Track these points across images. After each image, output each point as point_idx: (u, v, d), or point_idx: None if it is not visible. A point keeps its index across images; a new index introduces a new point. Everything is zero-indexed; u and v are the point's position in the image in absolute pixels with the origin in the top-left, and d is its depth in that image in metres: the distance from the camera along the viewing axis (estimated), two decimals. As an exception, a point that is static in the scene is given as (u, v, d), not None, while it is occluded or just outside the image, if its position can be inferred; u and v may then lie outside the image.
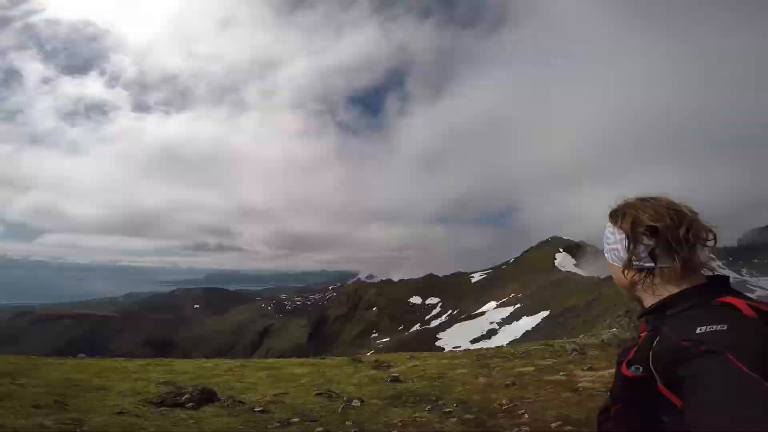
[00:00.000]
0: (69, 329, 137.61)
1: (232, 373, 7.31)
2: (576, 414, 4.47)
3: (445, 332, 56.02)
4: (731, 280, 1.14)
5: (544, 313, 44.79)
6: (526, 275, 71.45)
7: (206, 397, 5.05)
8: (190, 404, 4.70)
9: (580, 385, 5.77)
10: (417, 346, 44.90)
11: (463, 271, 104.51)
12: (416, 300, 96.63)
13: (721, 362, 0.91)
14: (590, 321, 31.11)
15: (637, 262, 1.17)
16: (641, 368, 1.09)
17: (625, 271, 1.20)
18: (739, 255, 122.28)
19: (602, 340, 10.95)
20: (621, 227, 1.19)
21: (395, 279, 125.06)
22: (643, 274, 1.18)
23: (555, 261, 75.10)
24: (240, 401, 5.20)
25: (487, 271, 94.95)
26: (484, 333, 48.25)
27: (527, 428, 4.13)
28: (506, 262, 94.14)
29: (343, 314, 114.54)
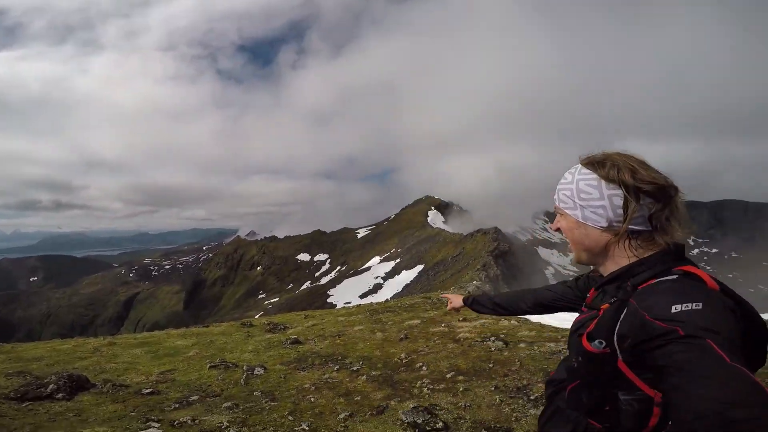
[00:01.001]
0: None
1: (100, 354, 6.44)
2: (464, 364, 5.07)
3: (335, 288, 57.78)
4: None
5: (420, 267, 49.20)
6: (403, 231, 76.93)
7: (77, 384, 4.33)
8: (60, 395, 3.98)
9: (460, 335, 6.51)
10: (309, 304, 45.47)
11: (349, 227, 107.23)
12: (304, 257, 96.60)
13: (703, 350, 0.81)
14: (456, 274, 34.81)
15: (631, 225, 1.02)
16: (604, 343, 1.00)
17: (605, 234, 1.06)
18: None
19: (469, 292, 12.59)
20: (616, 181, 1.02)
21: (280, 236, 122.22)
22: (625, 238, 1.04)
23: (427, 218, 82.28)
24: (121, 384, 4.61)
25: (371, 227, 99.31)
26: (371, 288, 51.16)
27: (428, 380, 4.54)
28: (387, 219, 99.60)
29: (223, 276, 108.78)
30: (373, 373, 4.92)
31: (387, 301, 13.27)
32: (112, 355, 6.35)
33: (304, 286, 77.32)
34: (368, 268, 62.34)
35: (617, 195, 1.02)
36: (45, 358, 6.02)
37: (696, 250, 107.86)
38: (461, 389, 4.26)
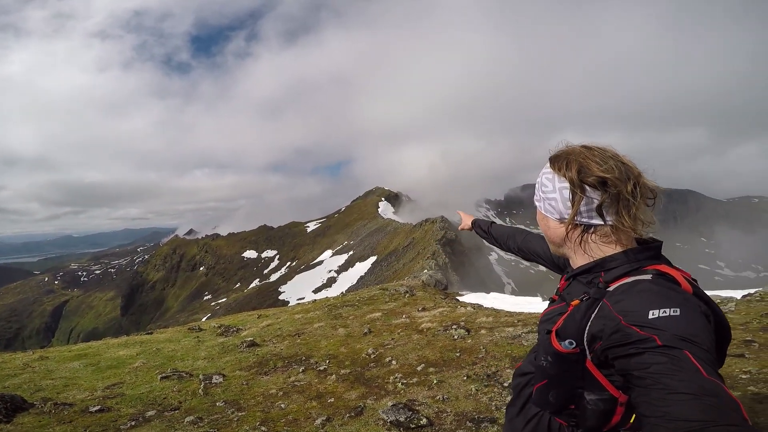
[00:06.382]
0: None
1: (32, 370, 5.83)
2: (432, 355, 5.12)
3: (286, 285, 56.62)
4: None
5: (373, 258, 49.56)
6: (355, 223, 77.16)
7: (13, 405, 3.91)
8: (-5, 422, 3.57)
9: (422, 325, 6.63)
10: (260, 303, 44.08)
11: (297, 221, 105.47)
12: (251, 254, 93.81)
13: (680, 362, 0.78)
14: (409, 263, 35.54)
15: (578, 217, 1.04)
16: (574, 343, 0.98)
17: (561, 226, 1.09)
18: (505, 207, 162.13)
19: (422, 281, 12.84)
20: (565, 175, 1.04)
21: (223, 233, 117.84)
22: (580, 230, 1.06)
23: (378, 209, 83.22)
24: (64, 403, 4.19)
25: (321, 220, 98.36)
26: (325, 281, 50.69)
27: (399, 374, 4.49)
28: (338, 211, 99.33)
29: (163, 278, 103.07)
30: (342, 371, 4.82)
31: (344, 294, 13.21)
32: (46, 371, 5.77)
33: (252, 284, 75.01)
34: (320, 262, 61.75)
35: (566, 188, 1.05)
36: (-34, 381, 5.34)
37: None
38: (435, 381, 4.26)
